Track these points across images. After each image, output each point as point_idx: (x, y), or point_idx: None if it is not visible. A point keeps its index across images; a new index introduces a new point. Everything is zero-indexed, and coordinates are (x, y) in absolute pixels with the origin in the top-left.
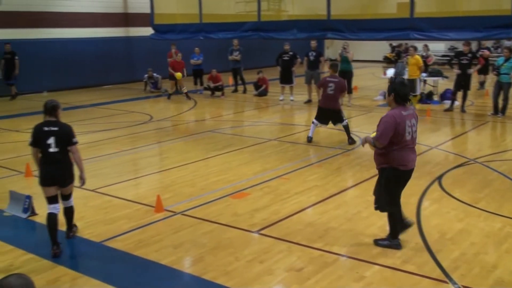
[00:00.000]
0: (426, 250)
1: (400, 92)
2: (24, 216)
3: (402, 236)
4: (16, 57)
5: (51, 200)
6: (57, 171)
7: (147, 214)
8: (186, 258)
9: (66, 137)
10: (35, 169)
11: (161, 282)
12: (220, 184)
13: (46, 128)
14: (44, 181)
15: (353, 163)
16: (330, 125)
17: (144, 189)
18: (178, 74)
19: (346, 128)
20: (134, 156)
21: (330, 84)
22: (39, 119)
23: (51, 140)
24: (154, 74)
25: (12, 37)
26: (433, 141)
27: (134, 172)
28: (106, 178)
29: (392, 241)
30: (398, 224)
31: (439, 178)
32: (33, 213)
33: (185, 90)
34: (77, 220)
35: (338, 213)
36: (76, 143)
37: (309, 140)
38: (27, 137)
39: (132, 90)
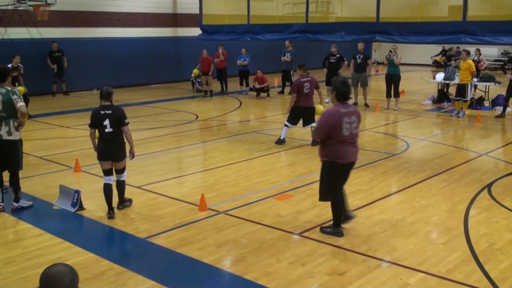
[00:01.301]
0: (474, 260)
1: (340, 90)
2: (72, 210)
3: (448, 245)
4: (63, 55)
5: (106, 172)
6: (112, 148)
7: (191, 213)
8: (228, 257)
9: (118, 119)
10: (84, 164)
11: (203, 280)
12: (263, 185)
13: (102, 112)
14: (101, 156)
15: (399, 168)
16: (376, 128)
17: (188, 187)
18: (195, 71)
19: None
20: (179, 155)
21: (306, 84)
22: (89, 116)
23: (106, 122)
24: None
25: (64, 36)
26: (482, 148)
27: (179, 170)
28: (152, 175)
29: (335, 229)
30: (340, 213)
31: (489, 186)
32: (81, 208)
33: (206, 88)
34: (122, 215)
35: (382, 218)
36: (127, 123)
37: (282, 142)
38: (78, 133)
39: (179, 90)
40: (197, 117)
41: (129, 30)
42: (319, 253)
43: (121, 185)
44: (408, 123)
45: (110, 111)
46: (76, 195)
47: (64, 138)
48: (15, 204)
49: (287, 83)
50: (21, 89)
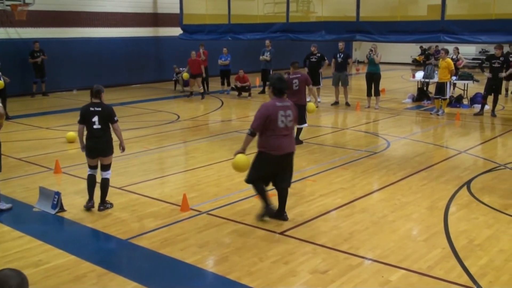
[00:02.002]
0: (454, 256)
1: (276, 86)
2: (52, 212)
3: (429, 241)
4: (44, 56)
5: (92, 167)
6: (100, 144)
7: (173, 213)
8: (210, 257)
9: (108, 116)
10: (64, 166)
11: (185, 280)
12: (245, 185)
13: (92, 108)
14: (90, 153)
15: (380, 166)
16: (357, 127)
17: (170, 188)
18: (185, 75)
19: (300, 130)
20: (161, 155)
21: (294, 81)
22: (69, 116)
23: (95, 119)
24: (181, 68)
25: (43, 36)
26: (462, 145)
27: (161, 171)
28: (133, 176)
29: (267, 209)
30: (264, 194)
31: (468, 183)
32: (62, 209)
33: (193, 90)
34: (104, 217)
35: (363, 216)
36: (117, 121)
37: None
38: (58, 134)
39: (160, 90)
40: (179, 117)
41: (109, 30)
42: (302, 251)
43: (105, 184)
44: (388, 121)
45: (100, 108)
46: (56, 196)
47: (44, 139)
48: None
49: (268, 83)
50: (1, 83)
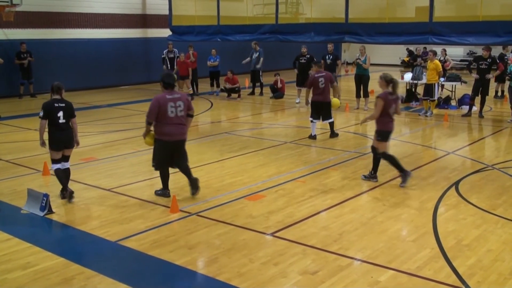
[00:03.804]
0: (442, 256)
1: (165, 81)
2: (41, 214)
3: (418, 242)
4: (31, 57)
5: (56, 161)
6: (67, 136)
7: (163, 215)
8: (200, 259)
9: (71, 111)
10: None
11: (175, 282)
12: (235, 186)
13: (56, 104)
14: (58, 146)
15: (369, 167)
16: (346, 128)
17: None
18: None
19: (332, 124)
20: (150, 157)
21: (320, 79)
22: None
23: (60, 113)
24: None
25: (31, 37)
26: (450, 146)
27: (150, 172)
28: (122, 178)
29: (163, 191)
30: (165, 182)
31: (456, 183)
32: (50, 211)
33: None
34: (93, 219)
35: (353, 217)
36: (75, 116)
37: (314, 137)
38: (46, 136)
39: (149, 91)
40: None
41: (97, 31)
42: (291, 252)
43: (67, 173)
44: None
45: (64, 104)
46: (45, 198)
47: (32, 141)
48: None
49: (257, 84)
50: None
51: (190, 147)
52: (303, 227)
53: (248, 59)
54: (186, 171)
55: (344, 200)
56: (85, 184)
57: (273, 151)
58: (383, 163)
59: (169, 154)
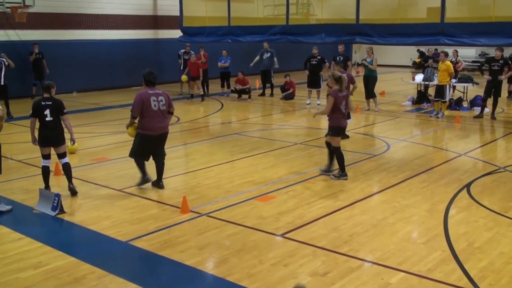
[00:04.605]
0: (453, 259)
1: (146, 78)
2: (53, 213)
3: (429, 244)
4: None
5: (46, 157)
6: (53, 135)
7: (173, 215)
8: (210, 259)
9: (58, 109)
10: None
11: (185, 282)
12: (245, 187)
13: (43, 103)
14: (43, 143)
15: (379, 168)
16: (357, 129)
17: (170, 190)
18: (184, 77)
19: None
20: None
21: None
22: (70, 118)
23: (47, 111)
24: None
25: (43, 38)
26: (462, 148)
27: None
28: (134, 178)
29: (143, 179)
30: (143, 167)
31: (468, 185)
32: (62, 211)
33: (194, 92)
34: (104, 219)
35: (363, 218)
36: (66, 113)
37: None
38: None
39: None
40: (178, 119)
41: (109, 32)
42: (301, 254)
43: (67, 168)
44: (388, 124)
45: (50, 102)
46: (56, 198)
47: None
48: None
49: (268, 85)
50: None
51: (201, 148)
52: (313, 228)
53: (258, 57)
54: (161, 169)
55: (354, 202)
56: (97, 184)
57: (283, 152)
58: (395, 163)
59: (149, 147)
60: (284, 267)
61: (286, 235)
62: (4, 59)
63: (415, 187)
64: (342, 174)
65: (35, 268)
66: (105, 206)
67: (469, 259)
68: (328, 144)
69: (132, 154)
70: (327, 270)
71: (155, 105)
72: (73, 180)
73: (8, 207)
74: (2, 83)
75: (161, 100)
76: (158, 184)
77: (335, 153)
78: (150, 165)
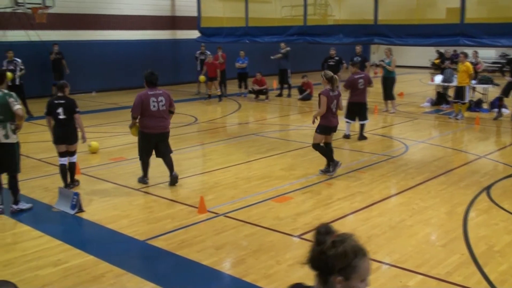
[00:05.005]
0: (473, 262)
1: (147, 79)
2: (72, 212)
3: (447, 247)
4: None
5: (62, 155)
6: (65, 132)
7: (190, 215)
8: (227, 259)
9: (70, 107)
10: (83, 167)
11: (202, 282)
12: (262, 187)
13: (56, 101)
14: (57, 140)
15: (398, 170)
16: (375, 130)
17: (187, 189)
18: (202, 77)
19: (363, 127)
20: (178, 157)
21: (360, 80)
22: (88, 118)
23: (60, 110)
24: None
25: (63, 38)
26: (481, 150)
27: (178, 172)
28: (151, 177)
29: (142, 178)
30: (144, 170)
31: (488, 188)
32: (81, 210)
33: (211, 92)
34: (122, 218)
35: (381, 220)
36: (78, 112)
37: (348, 136)
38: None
39: (177, 92)
40: (196, 119)
41: (127, 32)
42: None
43: (72, 167)
44: (406, 125)
45: (64, 101)
46: (75, 197)
47: None
48: (14, 207)
49: (285, 85)
50: (8, 75)
51: (218, 148)
52: None
53: (280, 55)
54: (169, 164)
55: (372, 203)
56: (115, 183)
57: (300, 152)
58: (413, 165)
59: (151, 145)
60: (301, 268)
61: (303, 236)
62: (18, 61)
63: (434, 189)
64: (327, 169)
65: (54, 266)
66: (123, 205)
67: (488, 263)
68: (325, 144)
69: (140, 155)
70: None
71: (154, 106)
72: (91, 179)
73: (28, 205)
74: (17, 83)
75: (161, 101)
76: (171, 175)
77: (316, 150)
78: (158, 167)
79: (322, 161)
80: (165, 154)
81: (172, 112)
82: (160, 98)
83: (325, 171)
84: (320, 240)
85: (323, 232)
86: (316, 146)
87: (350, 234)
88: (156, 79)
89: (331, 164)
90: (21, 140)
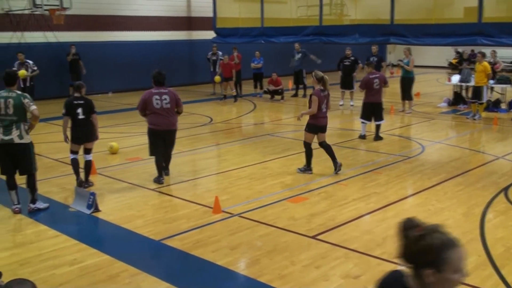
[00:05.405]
0: (490, 264)
1: (155, 78)
2: (88, 212)
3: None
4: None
5: (75, 152)
6: (85, 132)
7: (205, 215)
8: (242, 260)
9: (90, 108)
10: (99, 167)
11: (216, 282)
12: (277, 188)
13: (75, 102)
14: (76, 140)
15: (414, 170)
16: (391, 131)
17: (202, 190)
18: (217, 78)
19: (379, 127)
20: (193, 157)
21: (375, 80)
22: (104, 118)
23: (79, 110)
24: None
25: (80, 39)
26: (499, 150)
27: (193, 173)
28: (167, 177)
29: (157, 178)
30: (159, 165)
31: (505, 189)
32: (97, 210)
33: (226, 93)
34: (137, 218)
35: (397, 221)
36: (95, 112)
37: (364, 137)
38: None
39: (193, 92)
40: (211, 119)
41: (144, 33)
42: (333, 256)
43: (88, 165)
44: (423, 125)
45: (82, 101)
46: (91, 197)
47: None
48: (32, 206)
49: (300, 86)
50: (21, 73)
51: (233, 148)
52: (345, 230)
53: (292, 58)
54: (167, 160)
55: (387, 204)
56: (130, 183)
57: (315, 153)
58: (430, 165)
59: (158, 140)
60: (316, 269)
61: (318, 237)
62: (30, 63)
63: (451, 190)
64: (307, 168)
65: (70, 265)
66: (138, 205)
67: (506, 264)
68: (320, 144)
69: (149, 151)
70: (359, 273)
71: (157, 103)
72: (108, 179)
73: (45, 205)
74: (27, 85)
75: (165, 99)
76: (164, 171)
77: (304, 147)
78: (173, 167)
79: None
80: (166, 149)
81: (178, 113)
82: (164, 97)
83: (304, 171)
84: (407, 234)
85: (409, 226)
86: (306, 144)
87: (437, 226)
88: (162, 79)
89: (334, 165)
90: (38, 140)
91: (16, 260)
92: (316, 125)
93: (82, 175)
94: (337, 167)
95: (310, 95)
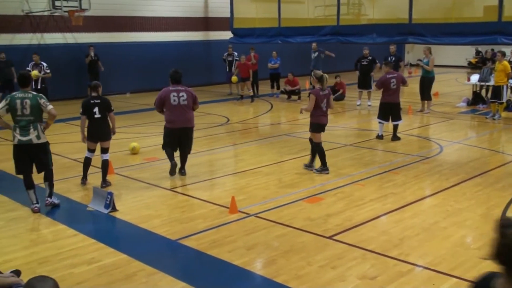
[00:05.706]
0: None
1: (172, 76)
2: (105, 211)
3: (483, 250)
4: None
5: (91, 150)
6: (101, 130)
7: (222, 215)
8: (258, 260)
9: (107, 106)
10: (116, 167)
11: (233, 282)
12: (293, 188)
13: (92, 101)
14: (92, 138)
15: (432, 171)
16: (409, 131)
17: (219, 190)
18: (234, 78)
19: (397, 127)
20: (210, 157)
21: (392, 80)
22: (122, 119)
23: (96, 109)
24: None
25: (99, 40)
26: None
27: (210, 173)
28: (183, 177)
29: (171, 166)
30: (170, 157)
31: None
32: (114, 209)
33: (243, 93)
34: (154, 217)
35: (414, 222)
36: (113, 110)
37: (381, 137)
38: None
39: (210, 93)
40: (228, 120)
41: (161, 34)
42: (350, 256)
43: (105, 164)
44: (441, 125)
45: (99, 101)
46: (109, 197)
47: None
48: (49, 199)
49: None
50: (34, 73)
51: (250, 149)
52: (362, 231)
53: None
54: (183, 159)
55: (405, 205)
56: (148, 183)
57: (332, 153)
58: (448, 166)
59: (174, 138)
60: (333, 270)
61: (335, 237)
62: (44, 65)
63: (469, 191)
64: (324, 168)
65: (88, 264)
66: (155, 205)
67: None
68: (311, 141)
69: (163, 145)
70: (376, 274)
71: (174, 100)
72: (125, 179)
73: (58, 201)
74: (39, 87)
75: (182, 96)
76: (181, 171)
77: (316, 148)
78: (190, 167)
79: (355, 162)
80: (184, 149)
81: (194, 109)
82: (181, 94)
83: (321, 171)
84: (504, 233)
85: (507, 225)
86: (317, 145)
87: None
88: (179, 77)
89: (322, 167)
90: (56, 140)
91: (35, 259)
92: (319, 124)
93: (89, 177)
94: (311, 166)
95: (309, 94)
